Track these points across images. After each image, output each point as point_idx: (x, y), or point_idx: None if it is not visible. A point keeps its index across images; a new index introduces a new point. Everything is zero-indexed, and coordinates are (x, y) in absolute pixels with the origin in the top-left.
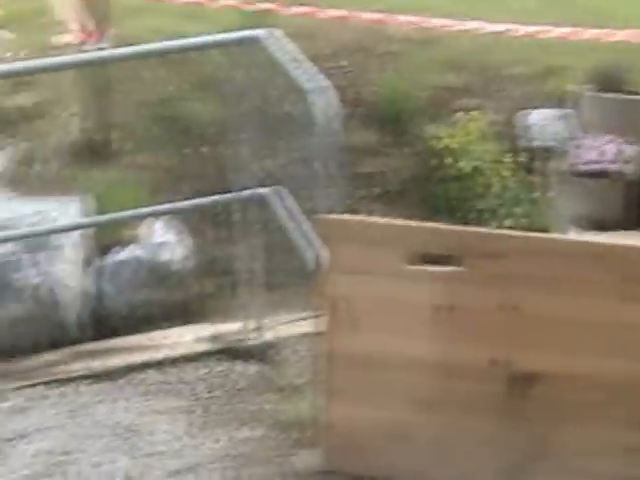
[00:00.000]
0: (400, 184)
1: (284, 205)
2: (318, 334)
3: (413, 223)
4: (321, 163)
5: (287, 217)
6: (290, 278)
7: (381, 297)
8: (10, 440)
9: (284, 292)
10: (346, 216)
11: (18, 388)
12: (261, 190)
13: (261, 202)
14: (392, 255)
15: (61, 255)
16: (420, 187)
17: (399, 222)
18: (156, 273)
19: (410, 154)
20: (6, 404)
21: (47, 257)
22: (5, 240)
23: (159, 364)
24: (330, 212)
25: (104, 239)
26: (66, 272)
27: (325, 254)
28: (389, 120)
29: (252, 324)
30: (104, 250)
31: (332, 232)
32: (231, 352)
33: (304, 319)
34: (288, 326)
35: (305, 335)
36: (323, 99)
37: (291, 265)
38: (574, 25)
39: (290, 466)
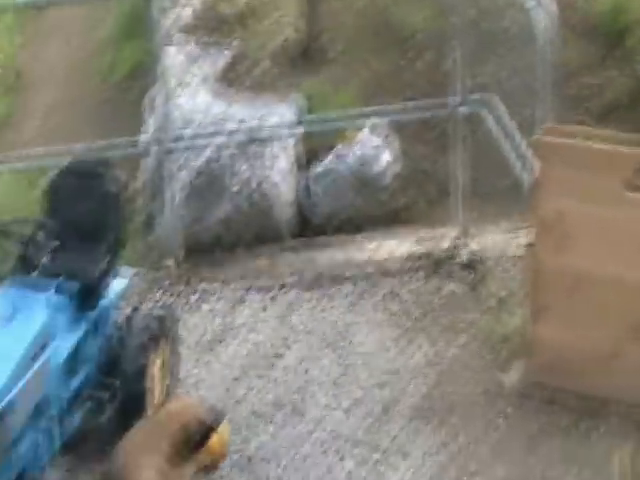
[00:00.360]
0: (619, 101)
1: (497, 117)
2: (526, 250)
3: (630, 149)
4: (539, 78)
5: (500, 130)
6: (499, 191)
7: (596, 220)
8: (219, 338)
9: (492, 205)
10: (564, 138)
11: (228, 288)
12: (474, 101)
13: (473, 113)
14: (609, 180)
15: (275, 159)
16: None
17: (616, 148)
18: (363, 179)
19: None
20: (216, 303)
21: (261, 160)
22: (221, 142)
23: (363, 272)
24: (544, 127)
25: (313, 144)
26: (279, 176)
27: (538, 171)
28: (609, 34)
29: (458, 236)
30: (313, 155)
31: (547, 151)
32: (436, 263)
33: (512, 233)
34: (495, 239)
35: (512, 250)
36: (544, 15)
37: (500, 178)
38: None
39: (494, 381)
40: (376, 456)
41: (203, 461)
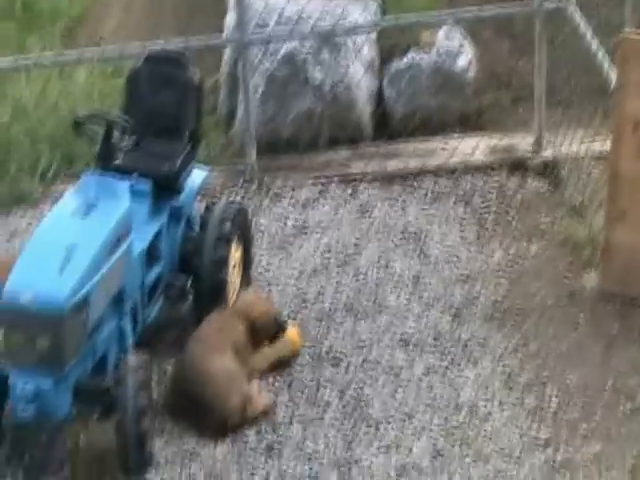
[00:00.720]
0: None
1: (575, 19)
2: (605, 155)
3: None
4: None
5: (579, 31)
6: (577, 95)
7: None
8: (292, 238)
9: (571, 110)
10: None
11: (304, 183)
12: (552, 2)
13: (551, 15)
14: None
15: (356, 56)
16: None
17: None
18: (439, 81)
19: None
20: (290, 202)
21: (342, 56)
22: (302, 37)
23: (437, 171)
24: (627, 29)
25: (388, 46)
26: (360, 73)
27: (620, 74)
28: None
29: (536, 141)
30: (388, 58)
31: (631, 52)
32: (511, 166)
33: (591, 138)
34: (573, 145)
35: (590, 155)
36: None
37: (579, 81)
38: None
39: (570, 286)
40: (446, 361)
41: (277, 354)
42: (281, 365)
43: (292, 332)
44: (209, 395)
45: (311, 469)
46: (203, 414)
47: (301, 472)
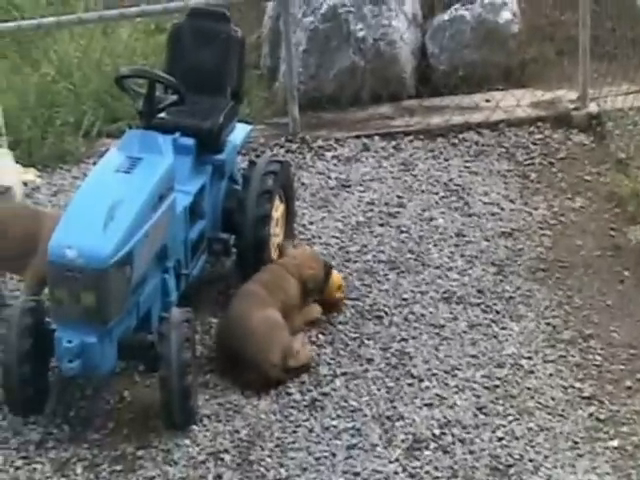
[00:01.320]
0: None
1: None
2: None
3: None
4: None
5: None
6: (622, 47)
7: None
8: (336, 189)
9: (614, 62)
10: None
11: (347, 139)
12: None
13: None
14: None
15: (399, 10)
16: None
17: None
18: (482, 35)
19: None
20: (332, 159)
21: (386, 11)
22: None
23: (481, 126)
24: None
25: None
26: (403, 28)
27: None
28: None
29: (579, 93)
30: (431, 9)
31: None
32: (555, 120)
33: (635, 91)
34: (617, 97)
35: (635, 107)
36: None
37: (624, 33)
38: None
39: (615, 241)
40: (490, 316)
41: (317, 313)
42: (331, 308)
43: (337, 278)
44: (250, 348)
45: (354, 424)
46: (245, 368)
47: (344, 427)
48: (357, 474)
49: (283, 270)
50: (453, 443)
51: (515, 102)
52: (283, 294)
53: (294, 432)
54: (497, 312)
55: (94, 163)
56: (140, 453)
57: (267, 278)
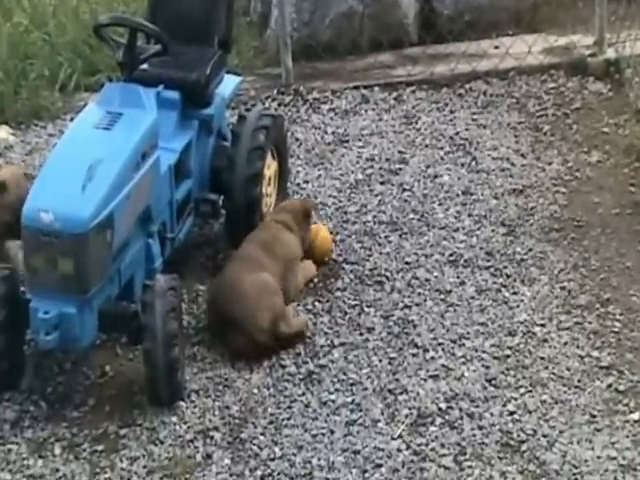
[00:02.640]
0: None
1: None
2: None
3: None
4: None
5: None
6: None
7: None
8: (333, 144)
9: (633, 4)
10: None
11: (345, 90)
12: None
13: None
14: None
15: None
16: None
17: None
18: None
19: None
20: (329, 111)
21: None
22: None
23: (489, 75)
24: None
25: None
26: None
27: None
28: None
29: (595, 38)
30: None
31: None
32: (570, 67)
33: None
34: (636, 43)
35: None
36: None
37: None
38: None
39: (634, 195)
40: (499, 281)
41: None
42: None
43: (324, 230)
44: (239, 312)
45: (354, 398)
46: (233, 333)
47: (343, 401)
48: (357, 452)
49: (277, 224)
50: (461, 418)
51: (526, 48)
52: (282, 248)
53: (289, 407)
54: (507, 276)
55: (71, 119)
56: (123, 432)
57: (263, 236)
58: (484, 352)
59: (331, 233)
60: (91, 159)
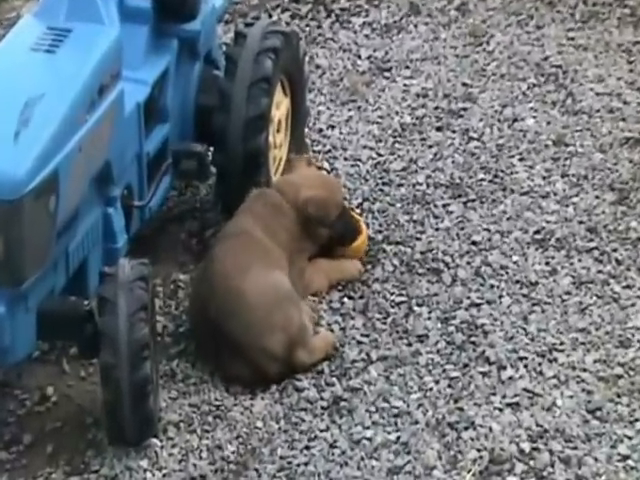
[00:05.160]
0: None
1: None
2: None
3: None
4: None
5: None
6: None
7: None
8: (370, 74)
9: None
10: None
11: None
12: None
13: None
14: None
15: None
16: None
17: None
18: None
19: None
20: (365, 19)
21: None
22: None
23: None
24: None
25: None
26: None
27: None
28: None
29: None
30: None
31: None
32: None
33: None
34: None
35: None
36: None
37: None
38: None
39: None
40: (607, 269)
41: (341, 272)
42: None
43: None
44: (239, 329)
45: (399, 436)
46: (229, 357)
47: (384, 440)
48: None
49: (278, 195)
50: (551, 465)
51: None
52: (282, 236)
53: (306, 448)
54: (618, 262)
55: (1, 36)
56: None
57: (259, 209)
58: (584, 371)
59: (362, 214)
60: (27, 95)
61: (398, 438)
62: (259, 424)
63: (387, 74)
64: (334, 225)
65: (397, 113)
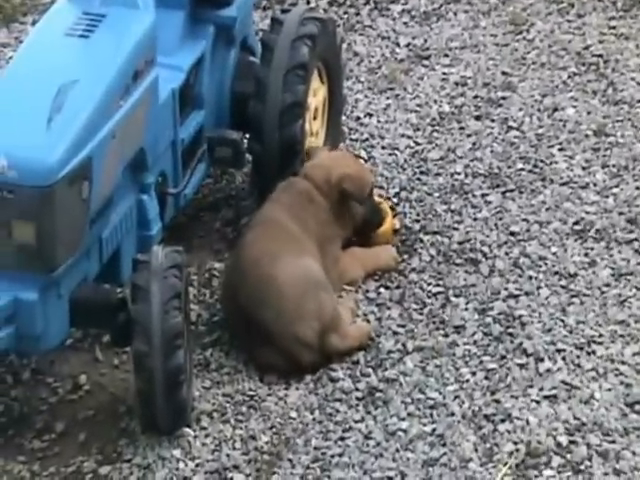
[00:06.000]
0: None
1: None
2: None
3: None
4: None
5: None
6: None
7: None
8: (408, 62)
9: None
10: None
11: None
12: None
13: None
14: None
15: None
16: None
17: None
18: None
19: None
20: (404, 6)
21: None
22: None
23: None
24: None
25: None
26: None
27: None
28: None
29: None
30: None
31: None
32: None
33: None
34: None
35: None
36: None
37: None
38: None
39: None
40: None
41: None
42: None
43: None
44: (268, 316)
45: (435, 427)
46: (261, 345)
47: (419, 432)
48: None
49: (306, 182)
50: (589, 458)
51: None
52: (314, 224)
53: (341, 439)
54: None
55: (33, 23)
56: (104, 470)
57: (288, 199)
58: (623, 363)
59: (395, 206)
60: (60, 80)
61: (434, 430)
62: (293, 414)
63: (426, 62)
64: (366, 203)
65: (435, 102)
